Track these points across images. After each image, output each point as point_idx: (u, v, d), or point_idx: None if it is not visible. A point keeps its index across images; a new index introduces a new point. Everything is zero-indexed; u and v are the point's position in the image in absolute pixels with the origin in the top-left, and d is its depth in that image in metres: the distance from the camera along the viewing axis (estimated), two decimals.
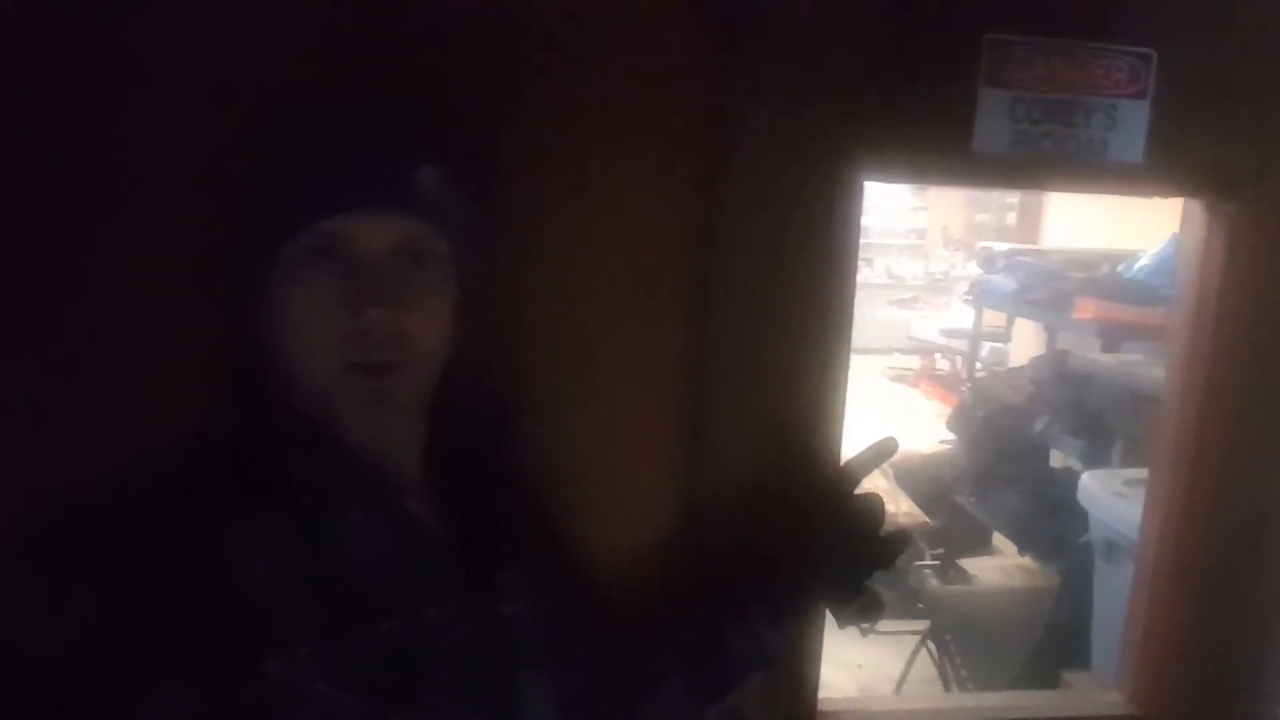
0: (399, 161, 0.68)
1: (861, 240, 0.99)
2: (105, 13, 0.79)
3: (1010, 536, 3.32)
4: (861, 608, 0.87)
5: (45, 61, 0.79)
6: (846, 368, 0.99)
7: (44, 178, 0.80)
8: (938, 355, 7.86)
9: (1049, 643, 2.65)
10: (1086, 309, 3.22)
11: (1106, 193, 1.08)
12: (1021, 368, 3.75)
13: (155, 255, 0.82)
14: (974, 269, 6.08)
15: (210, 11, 0.80)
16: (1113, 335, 3.18)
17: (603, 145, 0.91)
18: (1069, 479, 2.85)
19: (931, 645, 3.03)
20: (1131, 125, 0.96)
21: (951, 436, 3.93)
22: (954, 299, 7.74)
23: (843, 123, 0.92)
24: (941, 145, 0.95)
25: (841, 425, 1.00)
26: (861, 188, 0.95)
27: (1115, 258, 3.62)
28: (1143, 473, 1.51)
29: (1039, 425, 3.18)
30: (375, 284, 0.64)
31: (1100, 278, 3.40)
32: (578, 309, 0.93)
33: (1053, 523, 2.98)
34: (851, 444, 0.96)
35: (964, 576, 3.11)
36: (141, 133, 0.81)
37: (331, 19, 0.83)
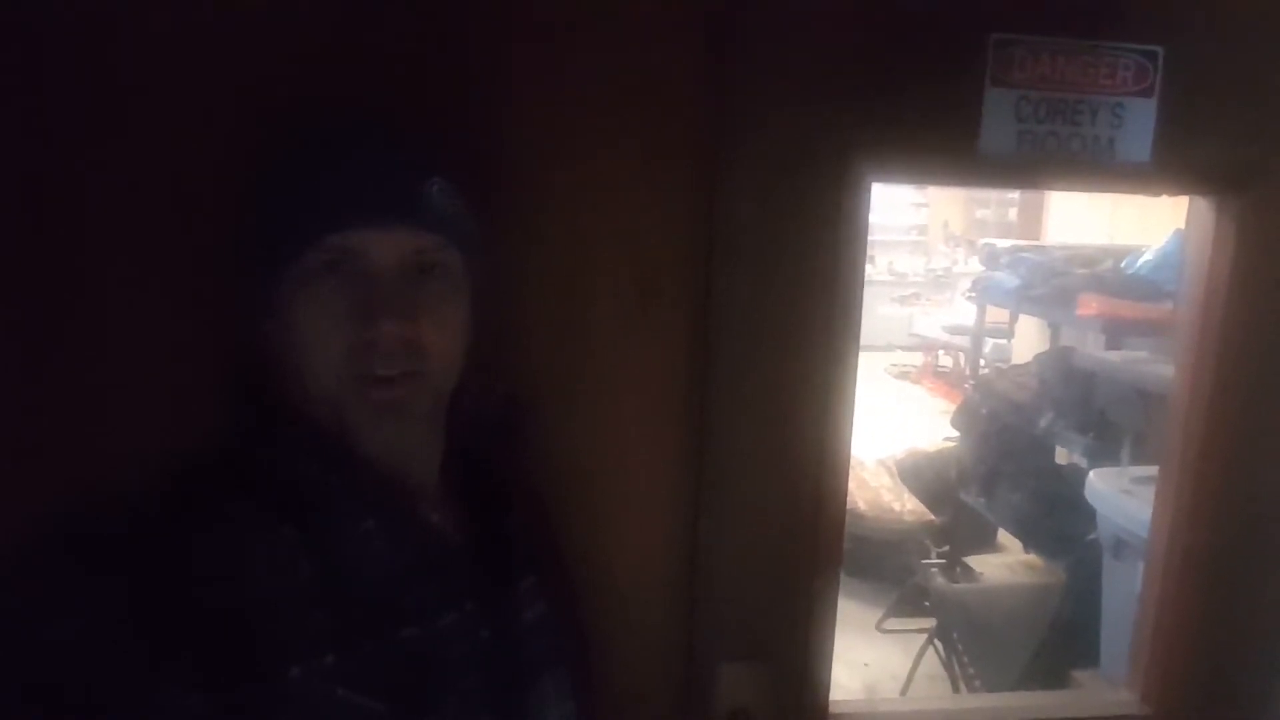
0: (408, 175, 0.68)
1: None
2: (114, 23, 0.79)
3: (1016, 534, 3.32)
4: None
5: (53, 68, 0.79)
6: (855, 369, 0.99)
7: (56, 188, 0.80)
8: (940, 352, 7.85)
9: (1057, 640, 2.64)
10: (1090, 305, 3.23)
11: (1114, 191, 1.08)
12: (1025, 364, 3.75)
13: (165, 264, 0.82)
14: (976, 265, 6.07)
15: (215, 21, 0.80)
16: (1116, 331, 3.18)
17: (603, 147, 0.91)
18: (1075, 476, 2.85)
19: (938, 644, 3.02)
20: (1138, 123, 0.96)
21: (956, 434, 3.93)
22: (956, 295, 7.73)
23: (848, 124, 0.92)
24: (947, 145, 0.95)
25: (851, 425, 1.00)
26: (869, 189, 0.95)
27: (1118, 253, 3.63)
28: (1151, 470, 1.51)
29: (1043, 422, 3.18)
30: (386, 297, 0.64)
31: (1103, 273, 3.41)
32: (581, 311, 0.93)
33: (1059, 520, 2.97)
34: (856, 442, 0.96)
35: (970, 574, 3.10)
36: (150, 142, 0.81)
37: (332, 26, 0.83)
